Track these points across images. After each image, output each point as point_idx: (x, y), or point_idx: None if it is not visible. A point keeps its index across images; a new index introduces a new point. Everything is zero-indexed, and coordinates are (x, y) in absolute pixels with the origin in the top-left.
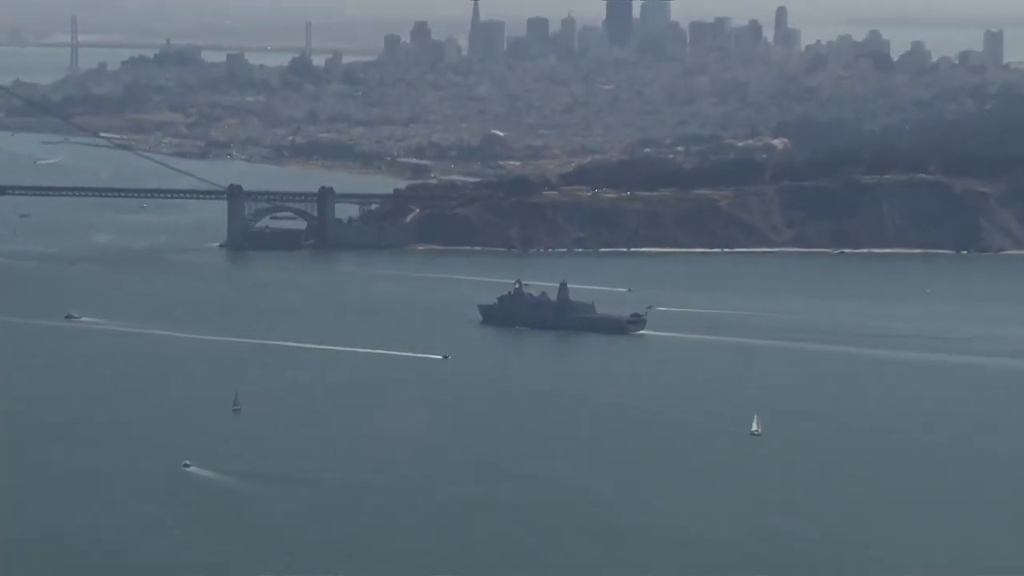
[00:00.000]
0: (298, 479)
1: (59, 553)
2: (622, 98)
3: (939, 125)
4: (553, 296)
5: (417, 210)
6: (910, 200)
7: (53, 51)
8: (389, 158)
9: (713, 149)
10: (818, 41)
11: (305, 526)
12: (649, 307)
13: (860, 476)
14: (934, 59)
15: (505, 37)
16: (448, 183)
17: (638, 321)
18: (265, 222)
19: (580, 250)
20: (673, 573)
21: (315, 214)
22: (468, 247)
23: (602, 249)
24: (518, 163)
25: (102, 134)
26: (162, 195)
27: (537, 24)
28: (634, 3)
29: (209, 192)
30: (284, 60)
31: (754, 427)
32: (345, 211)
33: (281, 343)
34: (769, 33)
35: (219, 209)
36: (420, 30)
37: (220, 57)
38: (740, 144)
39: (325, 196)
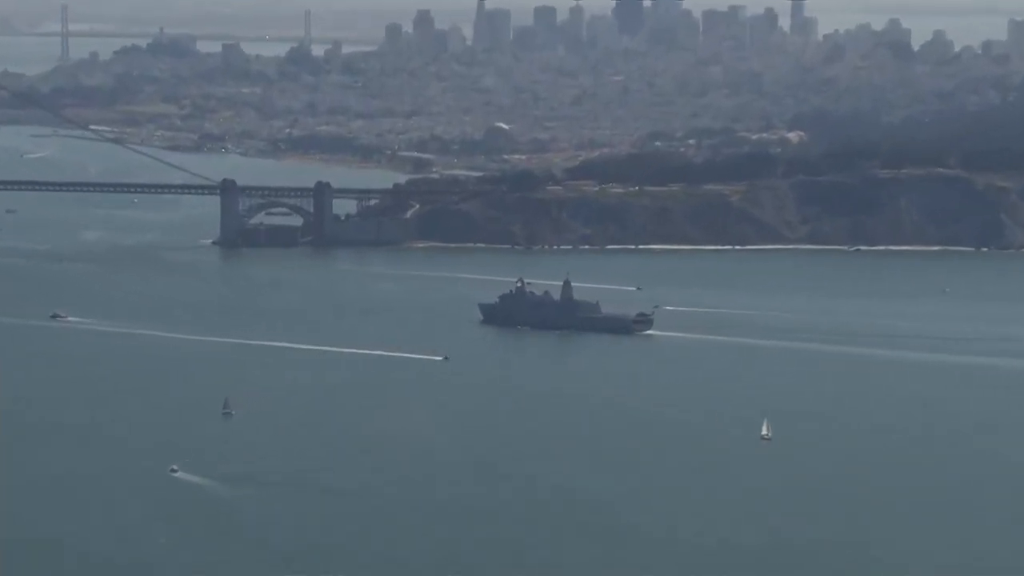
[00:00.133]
0: (290, 483)
1: (38, 561)
2: (632, 89)
3: (960, 117)
4: (556, 295)
5: (417, 206)
6: (929, 195)
7: (43, 40)
8: (390, 152)
9: (726, 142)
10: (836, 30)
11: (296, 532)
12: (656, 306)
13: (869, 481)
14: (956, 48)
15: (511, 26)
16: (450, 177)
17: (644, 321)
18: (260, 218)
19: (586, 247)
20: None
21: (312, 210)
22: (470, 244)
23: (609, 246)
24: (523, 157)
25: (92, 127)
26: (153, 190)
27: (544, 13)
28: None
29: (202, 187)
30: (282, 50)
31: (764, 431)
32: (343, 207)
33: (275, 344)
34: (785, 22)
35: (212, 205)
36: (423, 19)
37: (216, 47)
38: (754, 137)
39: (322, 191)
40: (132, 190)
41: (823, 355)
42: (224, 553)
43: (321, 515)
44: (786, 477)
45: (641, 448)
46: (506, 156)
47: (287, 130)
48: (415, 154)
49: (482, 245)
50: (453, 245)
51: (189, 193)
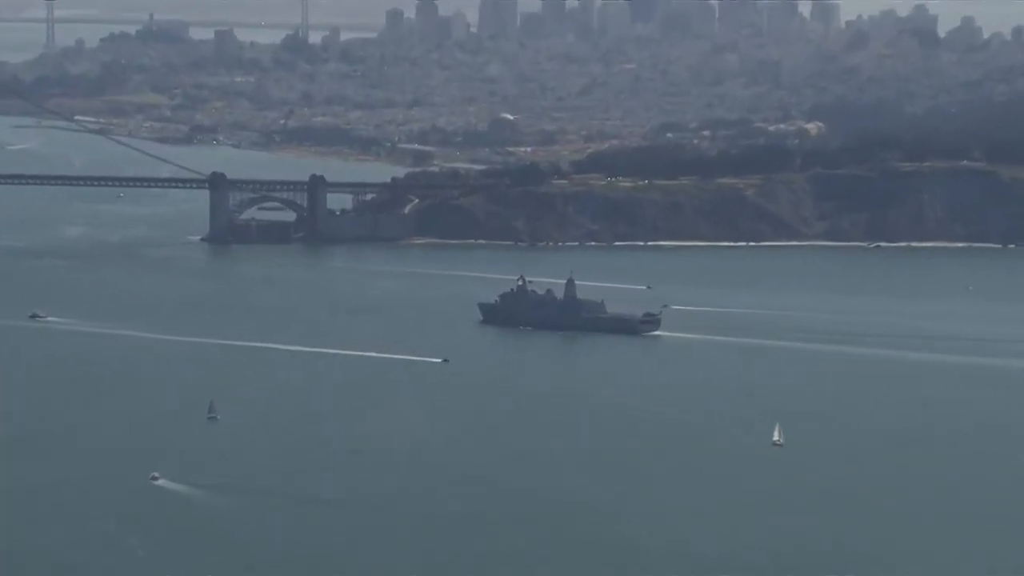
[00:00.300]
0: (275, 492)
1: (10, 573)
2: (644, 78)
3: (988, 107)
4: (560, 293)
5: (416, 200)
6: (953, 189)
7: (27, 27)
8: (389, 144)
9: (742, 134)
10: (859, 16)
11: (281, 543)
12: (664, 306)
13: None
14: (985, 35)
15: (518, 12)
16: (450, 171)
17: (651, 321)
18: (251, 214)
19: (593, 244)
20: None
21: (305, 205)
22: (471, 241)
23: (617, 243)
24: (529, 149)
25: (77, 118)
26: (140, 184)
27: None
28: None
29: (190, 181)
30: (277, 37)
31: (776, 437)
32: (338, 201)
33: (265, 345)
34: (805, 8)
35: (202, 199)
36: (425, 4)
37: (208, 34)
38: (771, 128)
39: (316, 185)
40: (117, 184)
41: (840, 357)
42: (205, 565)
43: (307, 525)
44: (797, 486)
45: (646, 454)
46: (511, 148)
47: (282, 121)
48: (415, 146)
49: (483, 242)
50: (453, 242)
51: (177, 187)
